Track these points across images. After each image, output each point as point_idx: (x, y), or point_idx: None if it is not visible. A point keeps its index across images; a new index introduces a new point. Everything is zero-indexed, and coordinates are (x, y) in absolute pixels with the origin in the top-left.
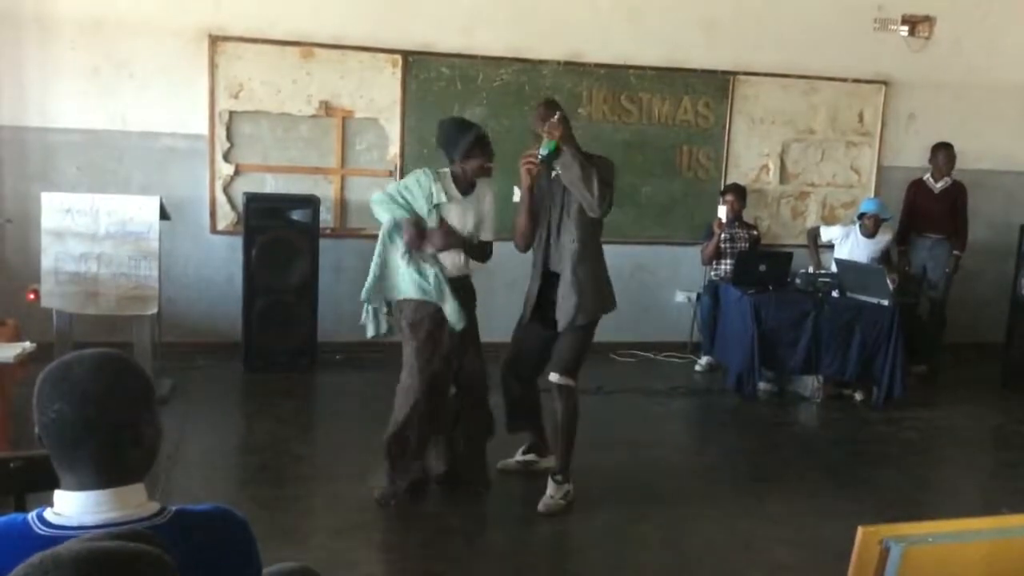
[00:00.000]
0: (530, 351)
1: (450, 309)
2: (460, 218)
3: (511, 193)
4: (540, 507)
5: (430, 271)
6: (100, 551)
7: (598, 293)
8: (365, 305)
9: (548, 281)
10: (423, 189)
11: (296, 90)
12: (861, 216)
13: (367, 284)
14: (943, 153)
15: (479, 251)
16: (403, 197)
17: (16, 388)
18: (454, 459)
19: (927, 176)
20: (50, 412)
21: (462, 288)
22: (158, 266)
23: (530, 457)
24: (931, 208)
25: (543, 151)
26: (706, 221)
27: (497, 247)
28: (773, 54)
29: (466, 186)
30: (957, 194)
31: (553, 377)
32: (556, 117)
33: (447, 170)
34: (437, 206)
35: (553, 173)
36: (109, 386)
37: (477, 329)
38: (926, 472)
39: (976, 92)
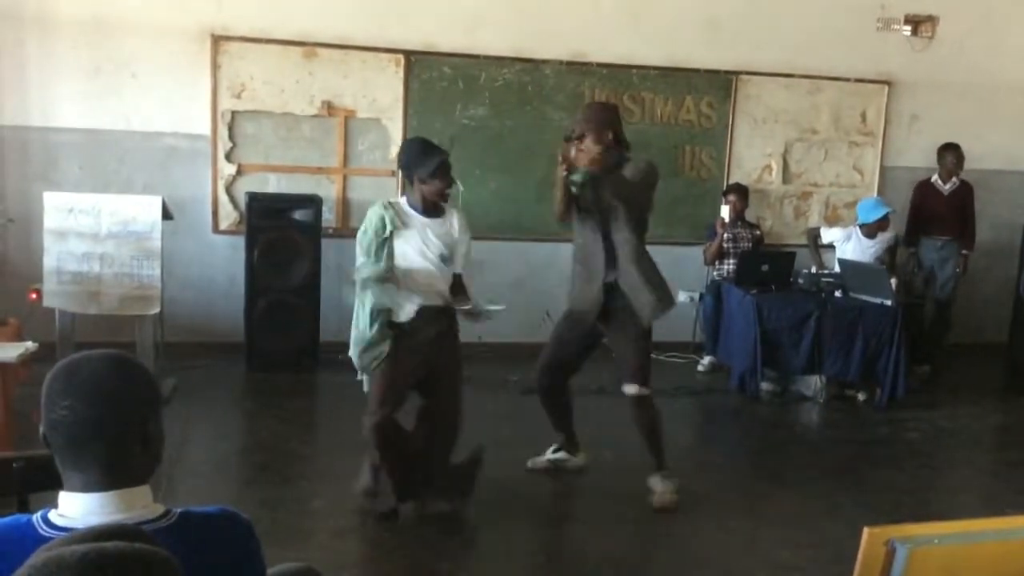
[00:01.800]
0: (570, 355)
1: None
2: (420, 244)
3: (514, 192)
4: (655, 504)
5: (368, 317)
6: (105, 552)
7: (663, 284)
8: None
9: (607, 291)
10: (377, 223)
11: (299, 90)
12: (876, 221)
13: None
14: (951, 154)
15: (454, 285)
16: (375, 253)
17: (18, 388)
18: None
19: (935, 177)
20: (58, 411)
21: (442, 316)
22: (160, 266)
23: (560, 455)
24: (940, 210)
25: (576, 178)
26: (709, 221)
27: (502, 248)
28: (776, 54)
29: (429, 209)
30: (965, 194)
31: (631, 390)
32: (598, 152)
33: (400, 199)
34: (388, 237)
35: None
36: (118, 386)
37: (457, 363)
38: (929, 472)
39: (979, 92)
